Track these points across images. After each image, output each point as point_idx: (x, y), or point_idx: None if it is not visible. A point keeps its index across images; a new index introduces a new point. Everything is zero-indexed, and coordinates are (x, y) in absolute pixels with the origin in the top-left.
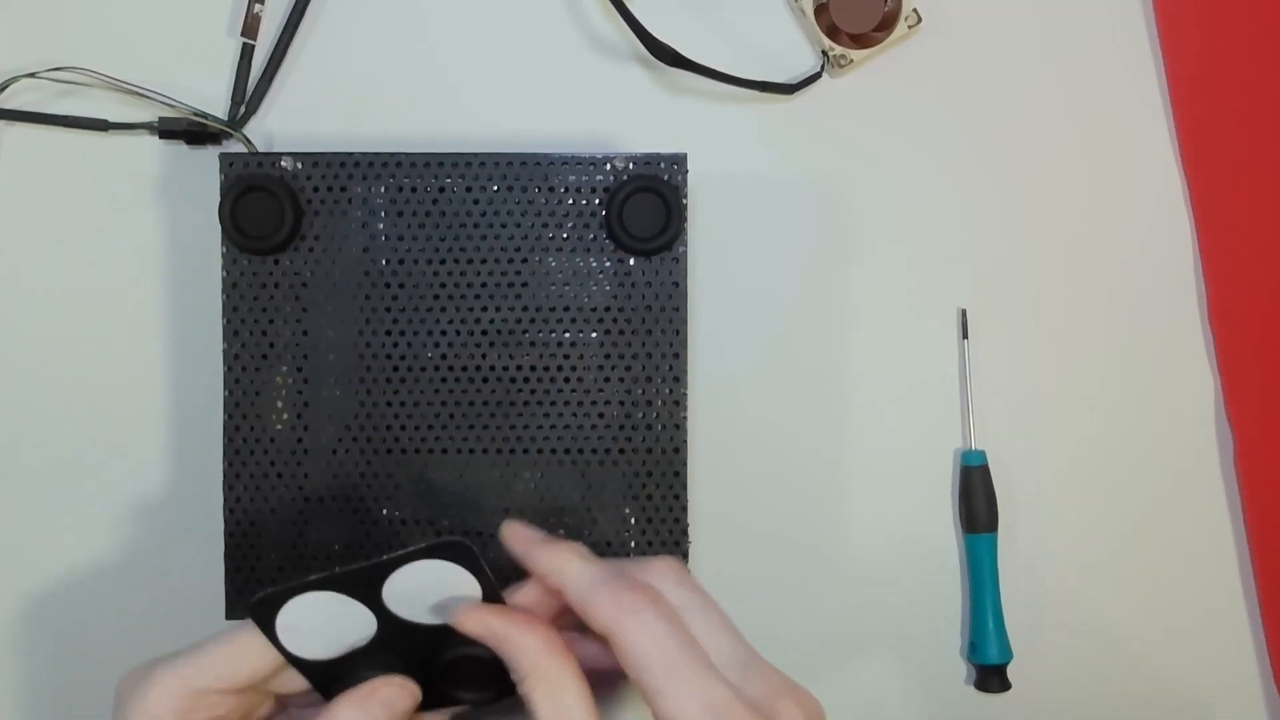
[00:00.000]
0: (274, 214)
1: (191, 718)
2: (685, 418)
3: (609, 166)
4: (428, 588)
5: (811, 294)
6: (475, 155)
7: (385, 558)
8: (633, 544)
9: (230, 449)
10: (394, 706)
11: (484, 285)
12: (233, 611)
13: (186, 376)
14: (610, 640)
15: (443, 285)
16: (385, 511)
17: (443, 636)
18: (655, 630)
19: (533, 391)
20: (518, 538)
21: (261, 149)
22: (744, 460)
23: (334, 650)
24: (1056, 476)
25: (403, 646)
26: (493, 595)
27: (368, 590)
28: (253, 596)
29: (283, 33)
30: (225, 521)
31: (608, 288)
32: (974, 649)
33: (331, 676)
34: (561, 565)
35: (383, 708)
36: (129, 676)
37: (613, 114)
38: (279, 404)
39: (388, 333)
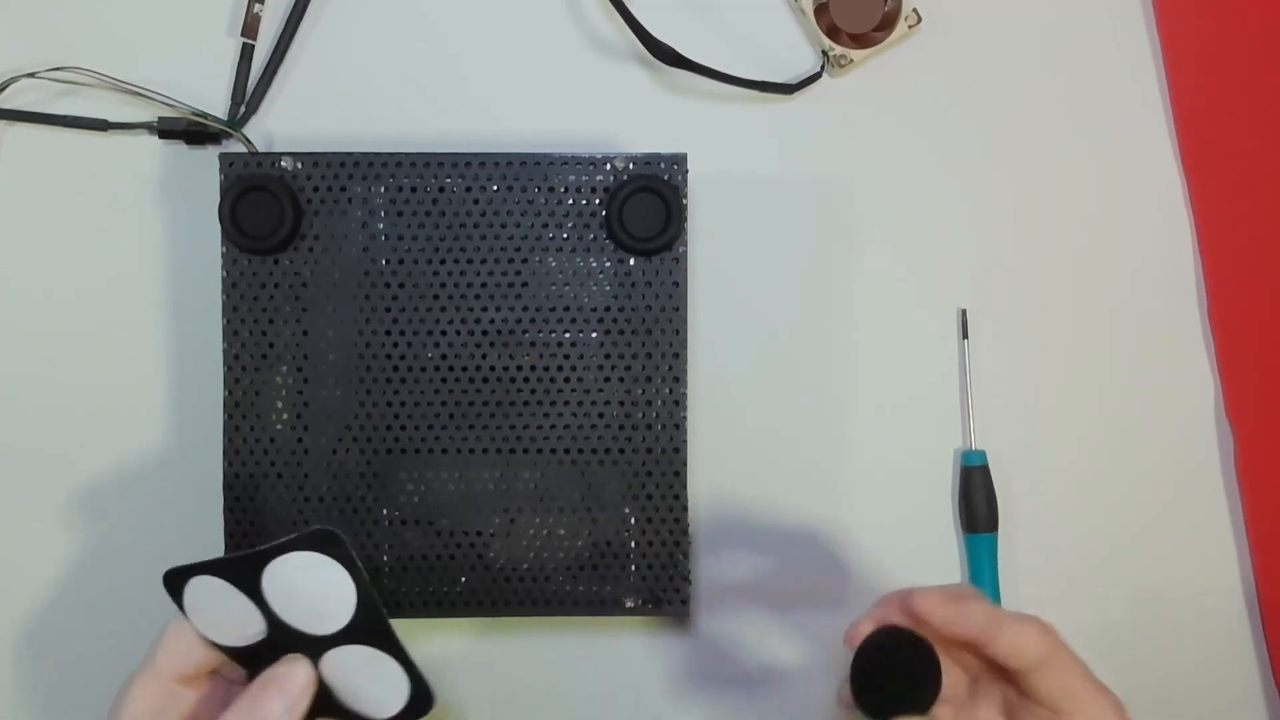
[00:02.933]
0: (274, 214)
1: (165, 715)
2: (685, 418)
3: (609, 166)
4: (305, 585)
5: (811, 294)
6: (475, 155)
7: (258, 549)
8: (633, 544)
9: (230, 449)
10: (288, 684)
11: (484, 285)
12: None
13: (186, 376)
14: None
15: (443, 285)
16: (385, 511)
17: (326, 643)
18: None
19: (533, 391)
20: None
21: (261, 149)
22: (744, 460)
23: (237, 640)
24: (1056, 476)
25: (293, 649)
26: (366, 590)
27: (247, 580)
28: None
29: (283, 33)
30: (225, 522)
31: (608, 288)
32: None
33: (250, 664)
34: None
35: (278, 688)
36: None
37: (613, 114)
38: (279, 404)
39: (388, 333)
